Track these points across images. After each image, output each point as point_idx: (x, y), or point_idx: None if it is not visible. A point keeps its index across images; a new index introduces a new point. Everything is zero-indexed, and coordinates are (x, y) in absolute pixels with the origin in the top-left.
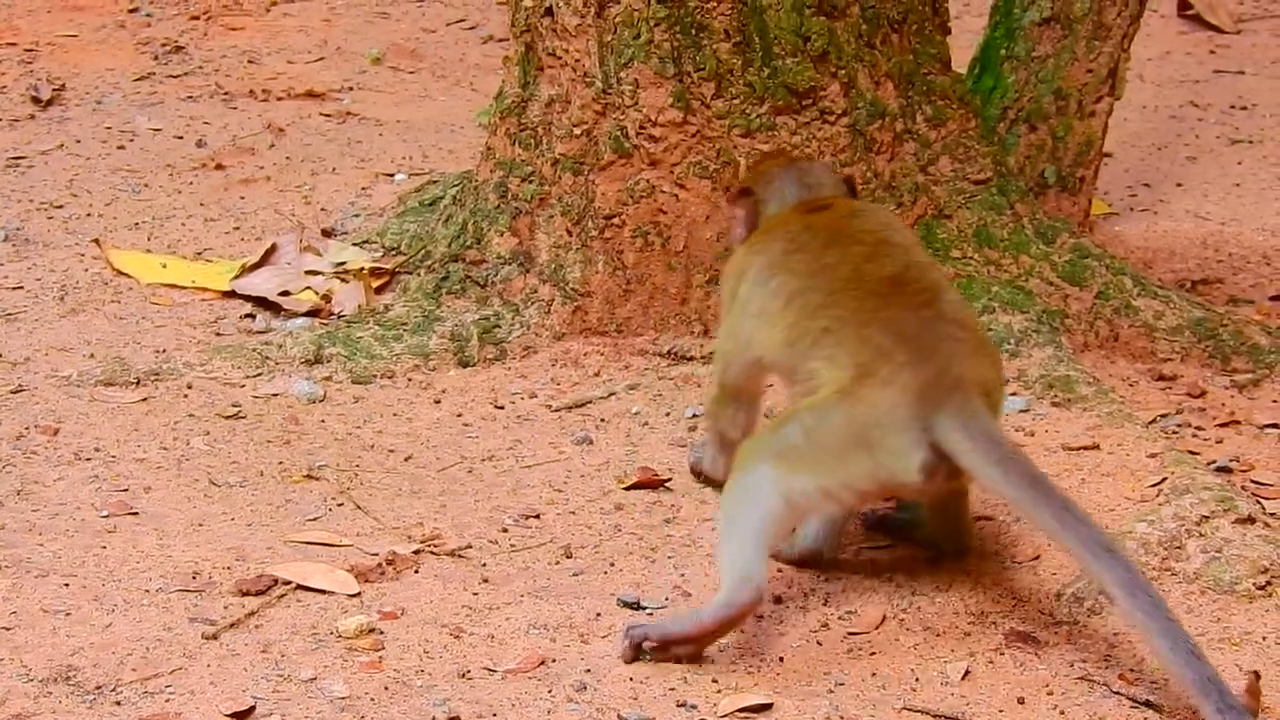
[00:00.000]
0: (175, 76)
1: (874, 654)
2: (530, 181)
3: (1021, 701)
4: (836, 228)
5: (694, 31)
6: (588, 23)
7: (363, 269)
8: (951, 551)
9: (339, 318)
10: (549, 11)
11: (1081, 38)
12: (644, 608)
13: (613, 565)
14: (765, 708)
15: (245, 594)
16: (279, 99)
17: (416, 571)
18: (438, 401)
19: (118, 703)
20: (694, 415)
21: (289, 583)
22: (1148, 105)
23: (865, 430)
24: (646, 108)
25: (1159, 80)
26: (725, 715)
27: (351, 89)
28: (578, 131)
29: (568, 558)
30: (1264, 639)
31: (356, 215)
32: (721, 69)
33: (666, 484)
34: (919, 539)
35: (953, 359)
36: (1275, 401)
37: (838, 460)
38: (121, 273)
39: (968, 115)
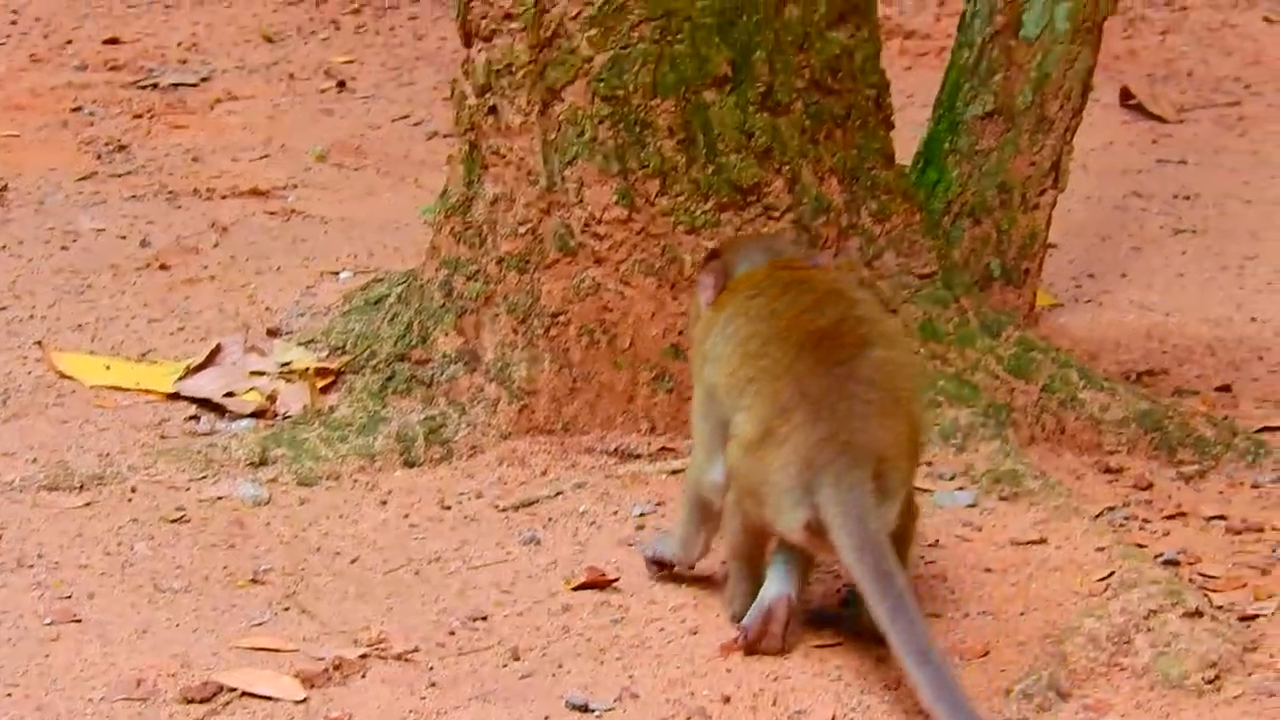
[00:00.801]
0: (119, 176)
1: None
2: (475, 280)
3: None
4: (798, 277)
5: (638, 129)
6: (531, 120)
7: (308, 369)
8: None
9: (284, 419)
10: (493, 110)
11: (1024, 131)
12: (592, 710)
13: (561, 667)
14: None
15: (190, 701)
16: (223, 197)
17: (363, 676)
18: (384, 503)
19: None
20: (641, 514)
21: (234, 690)
22: (1091, 196)
23: (756, 487)
24: (591, 205)
25: (1102, 171)
26: None
27: (296, 186)
28: (522, 230)
29: (515, 660)
30: None
31: (302, 314)
32: (666, 166)
33: (614, 584)
34: (862, 629)
35: (849, 422)
36: (1221, 493)
37: (737, 504)
38: (65, 375)
39: (912, 209)
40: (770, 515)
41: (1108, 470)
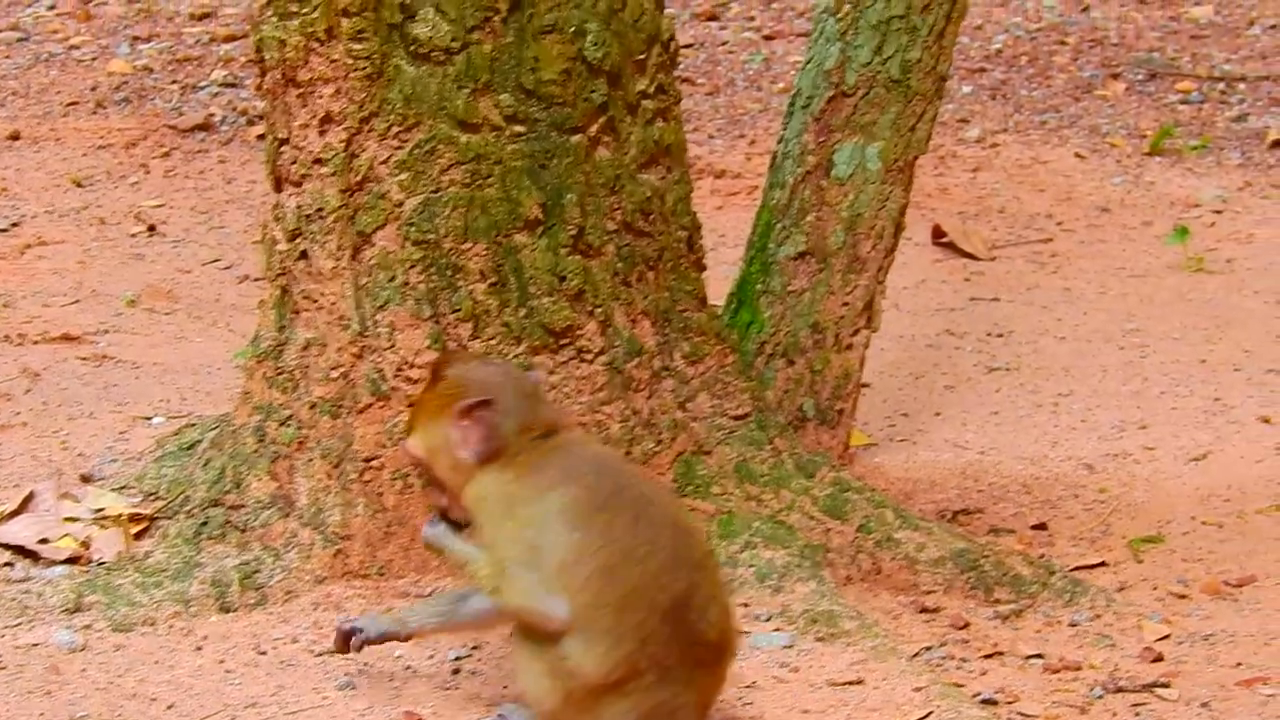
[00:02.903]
0: None
1: None
2: (288, 425)
3: None
4: (628, 489)
5: (449, 273)
6: (342, 265)
7: (121, 515)
8: None
9: (99, 565)
10: (304, 254)
11: (837, 271)
12: None
13: None
14: None
15: None
16: (34, 343)
17: None
18: (199, 648)
19: None
20: (457, 657)
21: None
22: (904, 334)
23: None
24: (403, 349)
25: (915, 309)
26: None
27: (108, 332)
28: (335, 374)
29: None
30: None
31: (114, 460)
32: (478, 309)
33: None
34: None
35: (689, 689)
36: (1038, 632)
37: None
38: None
39: (725, 351)
40: None
41: (924, 610)
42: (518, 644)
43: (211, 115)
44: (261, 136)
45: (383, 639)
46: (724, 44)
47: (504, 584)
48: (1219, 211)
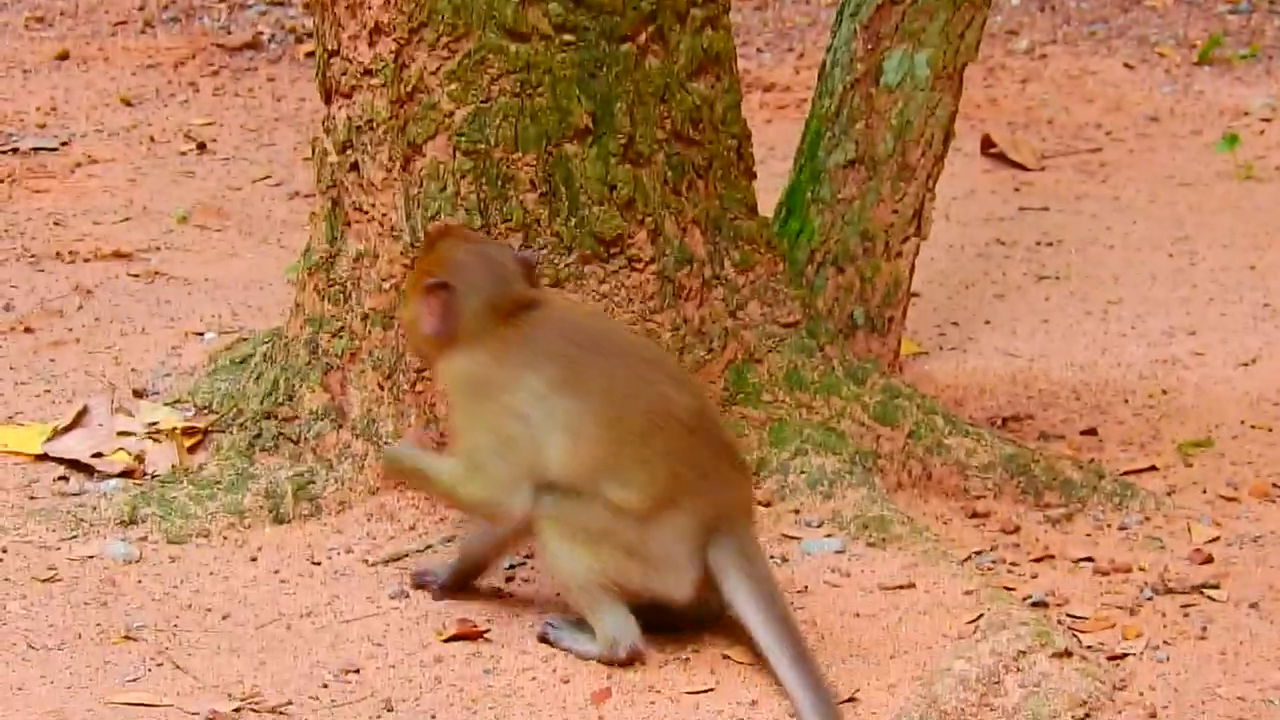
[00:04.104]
0: None
1: None
2: (340, 337)
3: None
4: (602, 342)
5: (500, 183)
6: (393, 176)
7: (175, 429)
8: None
9: (153, 478)
10: (354, 166)
11: (886, 179)
12: None
13: (434, 718)
14: None
15: None
16: (86, 260)
17: None
18: (254, 559)
19: None
20: (510, 565)
21: None
22: (954, 244)
23: (644, 554)
24: None
25: (965, 219)
26: None
27: (159, 248)
28: (386, 286)
29: (389, 711)
30: None
31: (167, 375)
32: (528, 219)
33: (485, 635)
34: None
35: (731, 490)
36: (1088, 535)
37: (610, 570)
38: None
39: (775, 259)
40: (658, 578)
41: (974, 515)
42: (550, 536)
43: (260, 33)
44: (310, 54)
45: (457, 580)
46: None
47: (473, 475)
48: (1268, 120)
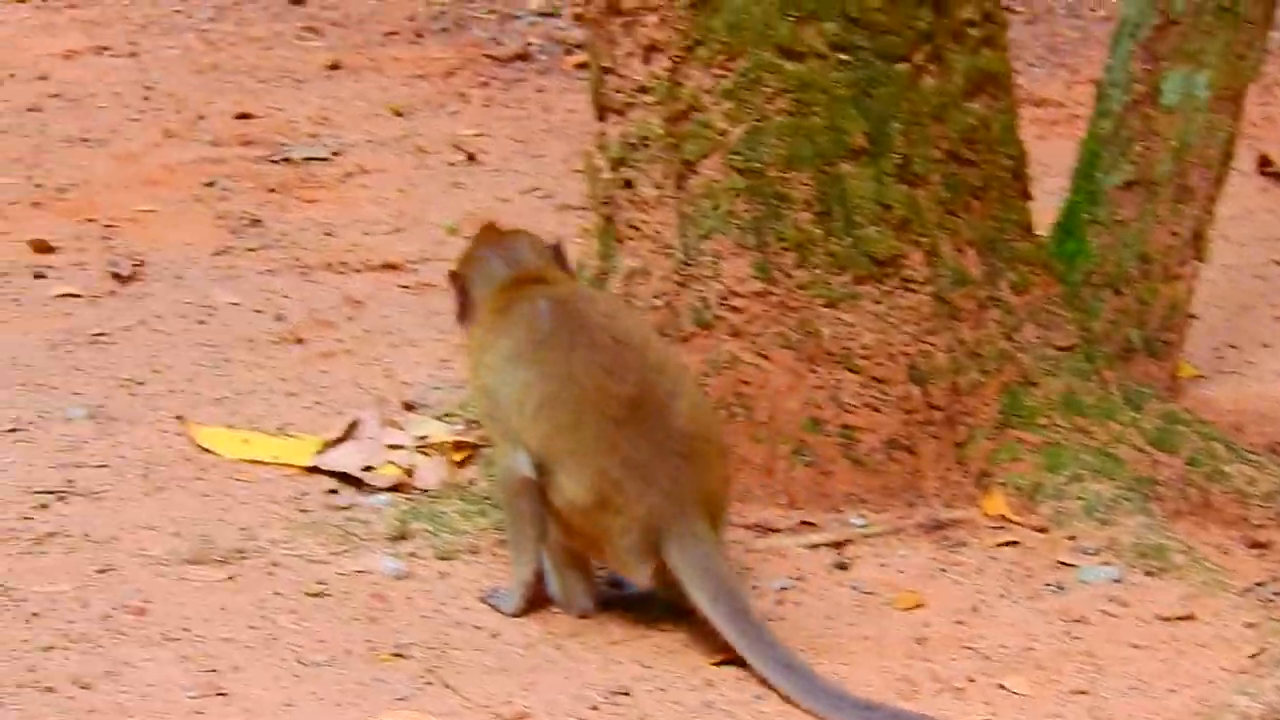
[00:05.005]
0: (253, 250)
1: None
2: None
3: None
4: (574, 319)
5: (774, 201)
6: (667, 194)
7: (445, 443)
8: None
9: (422, 493)
10: (628, 184)
11: (1165, 200)
12: None
13: None
14: None
15: None
16: (356, 271)
17: None
18: None
19: None
20: (782, 588)
21: None
22: (1231, 265)
23: (596, 541)
24: (727, 278)
25: (1242, 239)
26: None
27: (428, 260)
28: (659, 303)
29: None
30: None
31: (437, 388)
32: (802, 238)
33: None
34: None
35: (679, 484)
36: None
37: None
38: (205, 449)
39: (1051, 281)
40: (614, 564)
41: (1255, 545)
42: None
43: (529, 44)
44: (580, 66)
45: (528, 593)
46: None
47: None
48: None
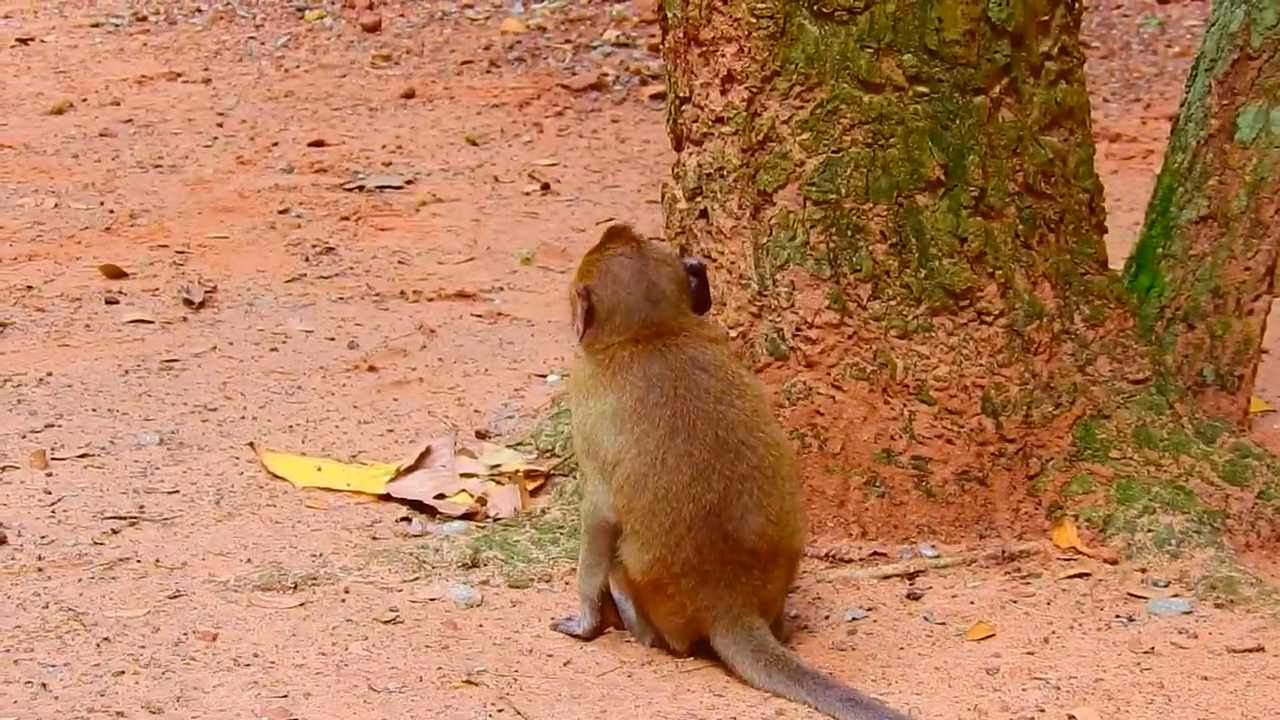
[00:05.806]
0: (326, 278)
1: None
2: None
3: None
4: (684, 400)
5: (850, 233)
6: (743, 224)
7: (518, 471)
8: None
9: (495, 521)
10: (704, 213)
11: (1239, 235)
12: None
13: None
14: None
15: None
16: (429, 300)
17: None
18: None
19: None
20: (854, 619)
21: None
22: None
23: (648, 612)
24: (803, 309)
25: None
26: None
27: (502, 289)
28: (734, 333)
29: None
30: None
31: (510, 417)
32: (878, 270)
33: None
34: None
35: (734, 590)
36: None
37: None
38: (276, 476)
39: (1125, 314)
40: (658, 628)
41: None
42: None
43: (604, 75)
44: (655, 96)
45: (597, 623)
46: (1118, 7)
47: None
48: None
